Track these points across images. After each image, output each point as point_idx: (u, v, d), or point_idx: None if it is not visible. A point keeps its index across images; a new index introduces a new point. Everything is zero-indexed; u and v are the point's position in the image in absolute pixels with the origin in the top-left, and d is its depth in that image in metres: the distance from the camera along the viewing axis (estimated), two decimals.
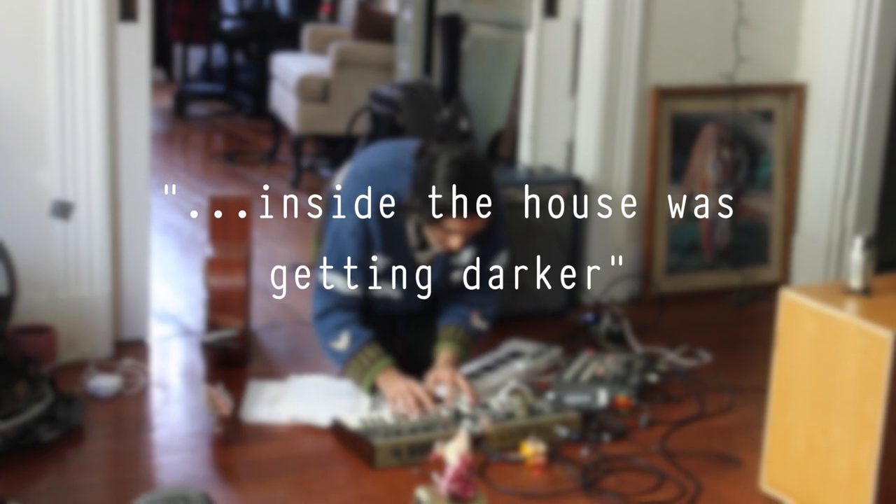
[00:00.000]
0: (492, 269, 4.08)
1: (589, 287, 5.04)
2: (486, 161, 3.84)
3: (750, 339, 4.79)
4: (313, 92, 7.21)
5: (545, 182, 4.82)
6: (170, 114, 9.24)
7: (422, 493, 3.08)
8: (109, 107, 4.17)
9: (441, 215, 3.69)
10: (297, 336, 4.61)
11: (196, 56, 10.14)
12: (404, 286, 4.01)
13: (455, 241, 3.77)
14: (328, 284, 3.92)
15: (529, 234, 4.77)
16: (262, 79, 9.00)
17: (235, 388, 3.97)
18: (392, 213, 3.85)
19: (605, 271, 5.07)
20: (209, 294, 4.22)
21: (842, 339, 3.15)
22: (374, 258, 3.90)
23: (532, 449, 3.58)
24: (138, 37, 4.24)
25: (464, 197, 3.67)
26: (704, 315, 5.07)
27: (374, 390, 3.90)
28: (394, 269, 3.95)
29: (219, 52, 9.81)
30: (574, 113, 5.07)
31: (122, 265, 4.36)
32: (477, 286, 4.08)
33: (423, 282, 4.02)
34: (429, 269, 4.00)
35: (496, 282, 4.12)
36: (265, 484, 3.41)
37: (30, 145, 4.09)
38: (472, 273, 4.06)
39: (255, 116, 8.97)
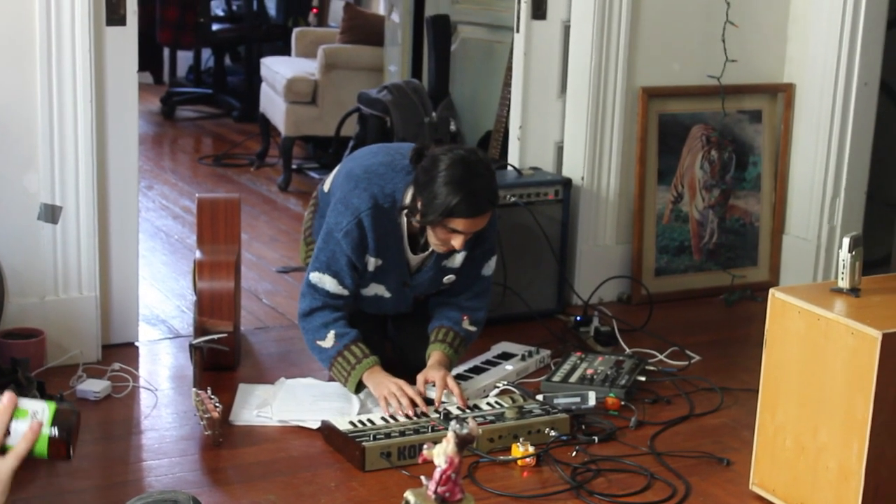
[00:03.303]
0: (482, 274, 4.09)
1: (578, 288, 5.04)
2: (488, 160, 3.86)
3: (739, 340, 4.80)
4: (302, 94, 7.22)
5: (534, 183, 4.83)
6: (158, 116, 9.23)
7: (410, 495, 3.08)
8: (97, 110, 4.17)
9: (447, 215, 3.70)
10: (287, 339, 4.60)
11: (184, 59, 10.13)
12: (396, 287, 4.01)
13: (458, 241, 3.77)
14: (317, 284, 3.91)
15: (518, 235, 4.77)
16: (250, 82, 8.99)
17: (225, 390, 3.97)
18: (388, 214, 3.85)
19: (593, 272, 5.07)
20: (198, 297, 4.21)
21: (830, 338, 3.15)
22: (367, 260, 3.90)
23: (521, 450, 3.58)
24: (125, 40, 4.23)
25: (470, 196, 3.68)
26: (693, 316, 5.08)
27: (360, 389, 3.90)
28: (386, 271, 3.95)
29: (207, 55, 9.79)
30: (562, 114, 5.07)
31: (111, 268, 4.35)
32: (468, 291, 4.09)
33: (415, 284, 4.02)
34: (421, 271, 4.01)
35: (486, 288, 4.13)
36: (255, 487, 3.41)
37: (18, 149, 4.08)
38: (462, 278, 4.06)
39: (244, 119, 8.96)
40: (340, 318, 3.92)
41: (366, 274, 3.95)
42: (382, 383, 3.83)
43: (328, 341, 3.89)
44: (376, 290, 4.01)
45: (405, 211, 3.84)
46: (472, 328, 4.07)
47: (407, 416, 3.73)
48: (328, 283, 3.90)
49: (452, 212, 3.68)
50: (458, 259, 4.02)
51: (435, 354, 3.97)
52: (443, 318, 4.05)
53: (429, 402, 3.84)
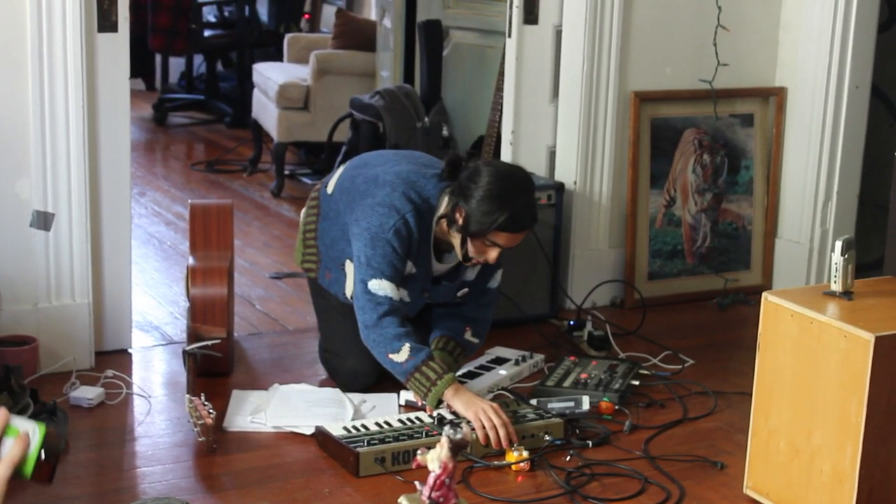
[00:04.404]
0: (489, 287, 4.11)
1: (571, 293, 5.04)
2: (527, 173, 3.88)
3: (732, 343, 4.80)
4: (294, 100, 7.22)
5: None
6: (150, 123, 9.22)
7: (404, 500, 3.08)
8: (89, 117, 4.16)
9: (495, 229, 3.71)
10: (280, 345, 4.60)
11: (176, 65, 10.12)
12: (415, 295, 3.97)
13: (494, 255, 3.79)
14: (376, 291, 3.79)
15: None
16: (242, 87, 8.99)
17: (218, 397, 3.96)
18: (425, 218, 3.84)
19: (587, 277, 5.08)
20: (191, 303, 4.21)
21: (823, 341, 3.16)
22: (407, 263, 3.87)
23: (516, 455, 3.58)
24: (117, 47, 4.23)
25: (517, 212, 3.71)
26: (687, 319, 5.08)
27: (440, 405, 3.78)
28: (415, 277, 3.91)
29: (199, 61, 9.79)
30: (554, 118, 5.08)
31: (104, 275, 4.35)
32: (473, 303, 4.09)
33: (434, 294, 4.02)
34: (441, 284, 4.01)
35: (492, 300, 4.13)
36: (249, 493, 3.41)
37: (10, 156, 4.08)
38: (470, 290, 4.07)
39: (236, 125, 8.96)
40: (410, 332, 3.81)
41: (404, 279, 3.90)
42: (474, 402, 3.70)
43: (402, 355, 3.75)
44: (400, 294, 3.91)
45: (444, 219, 3.83)
46: (475, 340, 4.07)
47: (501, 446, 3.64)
48: (388, 288, 3.80)
49: (500, 226, 3.70)
50: (472, 273, 4.03)
51: None
52: (445, 329, 4.04)
53: (422, 408, 3.85)
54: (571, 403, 3.93)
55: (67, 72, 4.06)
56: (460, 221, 3.76)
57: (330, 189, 4.09)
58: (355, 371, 4.07)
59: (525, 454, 3.58)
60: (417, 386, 3.76)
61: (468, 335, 4.04)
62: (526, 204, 3.76)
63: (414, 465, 3.11)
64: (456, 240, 3.83)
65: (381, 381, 4.08)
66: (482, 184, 3.72)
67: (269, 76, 7.45)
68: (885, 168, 5.41)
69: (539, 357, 4.41)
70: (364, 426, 3.68)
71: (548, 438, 3.71)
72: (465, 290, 4.05)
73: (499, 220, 3.69)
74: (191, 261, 4.31)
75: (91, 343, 4.27)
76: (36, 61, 4.02)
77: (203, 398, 3.69)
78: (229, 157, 8.00)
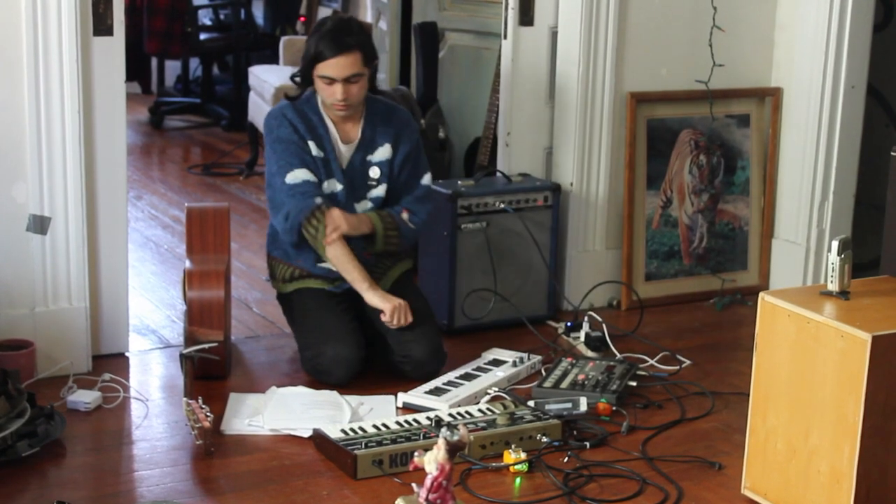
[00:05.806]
0: (421, 183, 4.38)
1: (568, 294, 5.04)
2: (351, 17, 4.40)
3: (730, 344, 4.80)
4: None
5: (523, 189, 4.83)
6: (146, 126, 9.21)
7: (402, 502, 3.08)
8: (85, 120, 4.16)
9: (315, 61, 4.11)
10: (277, 347, 4.60)
11: (172, 68, 10.12)
12: (342, 178, 4.23)
13: (338, 90, 4.11)
14: (294, 182, 4.16)
15: (508, 241, 4.78)
16: (238, 91, 8.98)
17: (215, 400, 3.96)
18: (305, 104, 4.24)
19: (584, 278, 5.08)
20: (188, 306, 4.21)
21: (820, 341, 3.16)
22: (310, 146, 4.19)
23: (513, 457, 3.58)
24: (112, 50, 4.23)
25: (328, 35, 4.09)
26: (684, 320, 5.08)
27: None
28: (328, 161, 4.21)
29: (195, 65, 9.79)
30: (551, 120, 5.08)
31: (100, 279, 4.35)
32: (409, 195, 4.35)
33: (351, 175, 4.26)
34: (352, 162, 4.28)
35: (426, 193, 4.39)
36: (247, 496, 3.41)
37: (6, 160, 4.07)
38: (403, 187, 4.34)
39: (232, 128, 8.95)
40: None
41: (318, 163, 4.22)
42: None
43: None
44: (330, 185, 4.24)
45: (307, 90, 4.23)
46: (411, 225, 4.32)
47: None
48: (301, 174, 4.18)
49: (316, 56, 4.11)
50: (379, 153, 4.28)
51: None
52: (384, 208, 4.33)
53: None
54: (569, 405, 3.93)
55: (63, 76, 4.06)
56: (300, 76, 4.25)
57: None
58: (335, 357, 4.11)
59: (523, 456, 3.58)
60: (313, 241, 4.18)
61: (405, 216, 4.29)
62: (336, 28, 4.12)
63: (411, 467, 3.11)
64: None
65: (378, 380, 4.10)
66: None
67: (265, 79, 7.45)
68: (882, 168, 5.41)
69: (536, 359, 4.41)
70: (361, 428, 3.69)
71: (545, 440, 3.71)
72: (376, 170, 4.29)
73: (310, 52, 4.12)
74: (187, 264, 4.31)
75: (88, 347, 4.26)
76: (31, 65, 4.02)
77: (200, 401, 3.69)
78: (226, 161, 7.99)
